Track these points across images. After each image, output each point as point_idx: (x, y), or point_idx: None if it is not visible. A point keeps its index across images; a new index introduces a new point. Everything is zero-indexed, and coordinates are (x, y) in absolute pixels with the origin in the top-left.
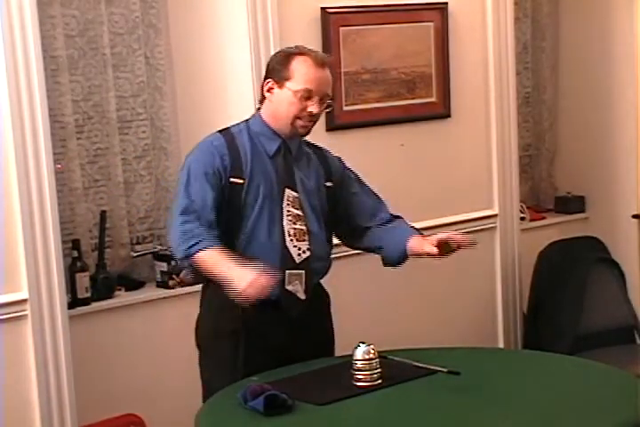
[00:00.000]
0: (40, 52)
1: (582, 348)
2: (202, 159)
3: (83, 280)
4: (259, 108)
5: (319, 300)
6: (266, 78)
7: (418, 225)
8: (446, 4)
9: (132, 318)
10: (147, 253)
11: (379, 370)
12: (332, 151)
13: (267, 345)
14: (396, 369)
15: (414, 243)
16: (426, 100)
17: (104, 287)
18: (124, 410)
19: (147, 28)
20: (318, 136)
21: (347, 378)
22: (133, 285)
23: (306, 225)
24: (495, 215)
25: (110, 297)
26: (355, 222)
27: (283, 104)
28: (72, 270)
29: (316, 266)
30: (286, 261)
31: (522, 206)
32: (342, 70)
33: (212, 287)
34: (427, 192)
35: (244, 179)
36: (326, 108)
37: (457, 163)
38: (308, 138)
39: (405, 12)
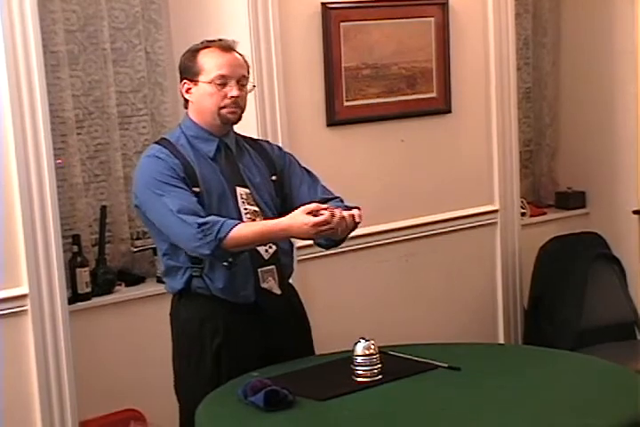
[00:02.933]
0: (40, 47)
1: (583, 343)
2: (158, 169)
3: (83, 275)
4: (186, 113)
5: (289, 293)
6: (181, 80)
7: (419, 220)
8: None
9: (133, 314)
10: (147, 249)
11: (379, 366)
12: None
13: (249, 349)
14: (397, 365)
15: None
16: (426, 96)
17: (104, 282)
18: (125, 405)
19: (147, 24)
20: (319, 132)
21: (347, 374)
22: (133, 280)
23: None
24: (496, 211)
25: (110, 292)
26: None
27: (204, 99)
28: (72, 265)
29: (284, 260)
30: (256, 259)
31: (522, 202)
32: (343, 66)
33: (189, 297)
34: (427, 187)
35: (199, 186)
36: (249, 91)
37: (457, 158)
38: (243, 132)
39: (406, 8)
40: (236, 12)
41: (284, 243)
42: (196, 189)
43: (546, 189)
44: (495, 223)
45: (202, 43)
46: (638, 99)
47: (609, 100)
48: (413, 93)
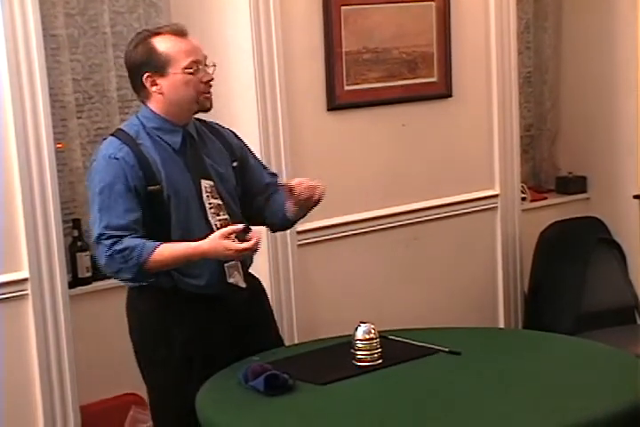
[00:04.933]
0: (40, 31)
1: (583, 328)
2: (110, 176)
3: (83, 260)
4: (144, 105)
5: (254, 286)
6: (139, 76)
7: (419, 205)
8: None
9: None
10: None
11: (379, 350)
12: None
13: (218, 338)
14: (397, 349)
15: (288, 205)
16: (427, 80)
17: None
18: (125, 389)
19: (147, 7)
20: (319, 116)
21: (347, 358)
22: None
23: (228, 213)
24: (496, 195)
25: (111, 277)
26: (251, 198)
27: (179, 88)
28: (72, 250)
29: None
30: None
31: (523, 187)
32: (343, 50)
33: (151, 289)
34: (427, 172)
35: (160, 184)
36: (213, 70)
37: (458, 143)
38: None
39: None
40: None
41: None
42: (155, 187)
43: (546, 173)
44: (495, 208)
45: (145, 31)
46: (639, 84)
47: (610, 85)
48: (414, 78)
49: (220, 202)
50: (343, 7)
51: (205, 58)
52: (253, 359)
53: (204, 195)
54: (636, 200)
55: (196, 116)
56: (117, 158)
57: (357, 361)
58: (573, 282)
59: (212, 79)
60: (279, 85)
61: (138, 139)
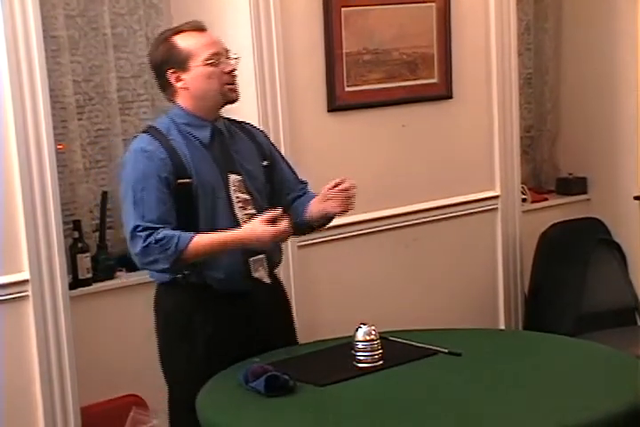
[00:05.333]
0: (40, 33)
1: (583, 329)
2: (142, 169)
3: (84, 261)
4: (173, 103)
5: (276, 283)
6: (165, 72)
7: (420, 206)
8: None
9: (133, 299)
10: None
11: (380, 351)
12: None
13: (239, 337)
14: (397, 350)
15: (312, 206)
16: (427, 81)
17: (105, 268)
18: (126, 390)
19: (148, 9)
20: (319, 117)
21: (348, 359)
22: (134, 266)
23: (256, 208)
24: (497, 197)
25: (111, 278)
26: (278, 198)
27: (201, 82)
28: (73, 251)
29: (273, 248)
30: (246, 249)
31: (523, 188)
32: (344, 51)
33: (177, 285)
34: (428, 173)
35: (189, 177)
36: (237, 62)
37: (458, 144)
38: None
39: None
40: None
41: None
42: (186, 180)
43: (547, 174)
44: (496, 209)
45: (167, 31)
46: (639, 84)
47: (610, 86)
48: (414, 79)
49: (247, 197)
50: (343, 8)
51: (227, 51)
52: (254, 360)
53: (232, 188)
54: (637, 201)
55: (227, 116)
56: (148, 151)
57: (358, 362)
58: (574, 283)
59: (235, 69)
60: (279, 86)
61: (169, 135)
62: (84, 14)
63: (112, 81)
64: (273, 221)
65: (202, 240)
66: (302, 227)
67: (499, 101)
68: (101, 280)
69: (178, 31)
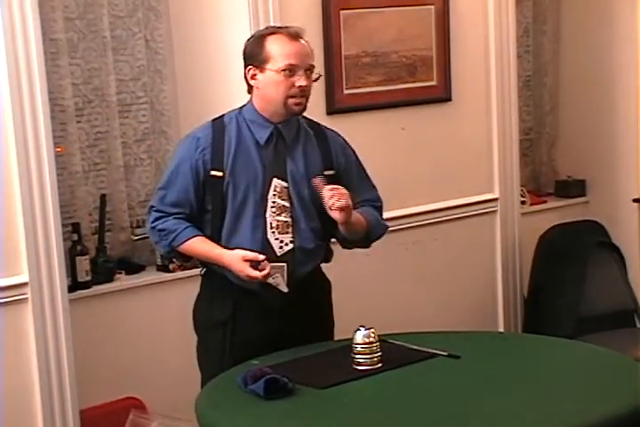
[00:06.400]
0: (40, 35)
1: (582, 331)
2: (183, 153)
3: (83, 264)
4: (250, 97)
5: (315, 289)
6: (246, 67)
7: (419, 208)
8: None
9: (133, 302)
10: (147, 237)
11: (379, 354)
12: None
13: (254, 335)
14: (397, 353)
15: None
16: (426, 84)
17: (104, 271)
18: (125, 393)
19: (147, 11)
20: (319, 120)
21: (347, 362)
22: (134, 268)
23: (292, 217)
24: (496, 199)
25: (110, 281)
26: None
27: (270, 87)
28: (72, 254)
29: (302, 259)
30: (267, 253)
31: (522, 190)
32: (343, 53)
33: (208, 275)
34: (427, 176)
35: (223, 171)
36: (315, 80)
37: (458, 146)
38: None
39: None
40: (235, 0)
41: (306, 240)
42: (218, 174)
43: (546, 177)
44: (495, 212)
45: (267, 28)
46: (638, 87)
47: (609, 89)
48: (413, 81)
49: (286, 204)
50: (342, 11)
51: (311, 66)
52: (253, 363)
53: (271, 193)
54: (636, 204)
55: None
56: (193, 138)
57: (357, 365)
58: (573, 285)
59: (307, 86)
60: None
61: (228, 125)
62: (84, 17)
63: (111, 84)
64: (256, 263)
65: (195, 245)
66: (345, 243)
67: (498, 104)
68: (100, 283)
69: (274, 32)
